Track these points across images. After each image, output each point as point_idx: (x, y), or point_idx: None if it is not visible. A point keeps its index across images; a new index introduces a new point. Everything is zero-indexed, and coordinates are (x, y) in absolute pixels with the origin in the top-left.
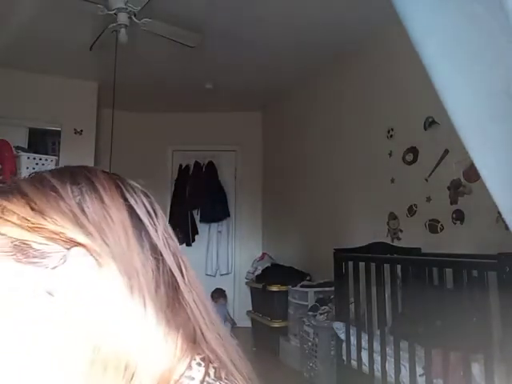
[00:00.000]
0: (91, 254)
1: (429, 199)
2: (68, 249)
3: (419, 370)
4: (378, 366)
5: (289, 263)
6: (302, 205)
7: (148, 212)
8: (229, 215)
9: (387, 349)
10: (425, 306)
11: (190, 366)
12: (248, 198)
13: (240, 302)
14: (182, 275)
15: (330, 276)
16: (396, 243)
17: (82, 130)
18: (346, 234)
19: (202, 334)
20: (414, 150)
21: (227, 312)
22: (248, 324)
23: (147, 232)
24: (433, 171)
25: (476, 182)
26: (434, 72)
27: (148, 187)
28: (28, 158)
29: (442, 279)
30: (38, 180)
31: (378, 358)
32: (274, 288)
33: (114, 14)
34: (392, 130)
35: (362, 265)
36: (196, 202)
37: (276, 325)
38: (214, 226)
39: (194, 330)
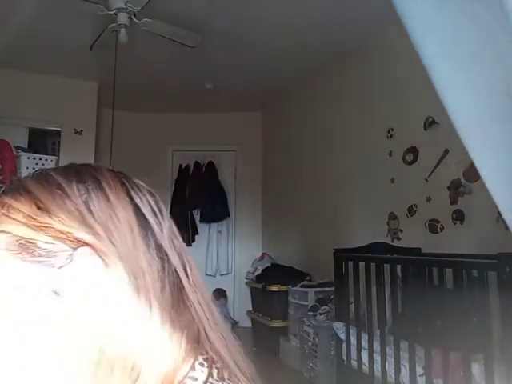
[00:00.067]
0: (98, 254)
1: (429, 199)
2: (74, 248)
3: (419, 370)
4: (377, 366)
5: (289, 263)
6: (301, 205)
7: (153, 211)
8: (229, 215)
9: (387, 349)
10: (425, 306)
11: (193, 367)
12: (248, 198)
13: (240, 301)
14: (187, 275)
15: (330, 276)
16: (396, 243)
17: (82, 130)
18: (346, 234)
19: (206, 334)
20: (413, 150)
21: (227, 312)
22: (248, 324)
23: (153, 231)
24: (433, 171)
25: (476, 182)
26: (433, 72)
27: (149, 187)
28: (28, 158)
29: (442, 279)
30: (44, 178)
31: (377, 358)
32: (274, 288)
33: (114, 14)
34: (392, 129)
35: (362, 265)
36: (196, 201)
37: (276, 325)
38: (214, 226)
39: (198, 331)
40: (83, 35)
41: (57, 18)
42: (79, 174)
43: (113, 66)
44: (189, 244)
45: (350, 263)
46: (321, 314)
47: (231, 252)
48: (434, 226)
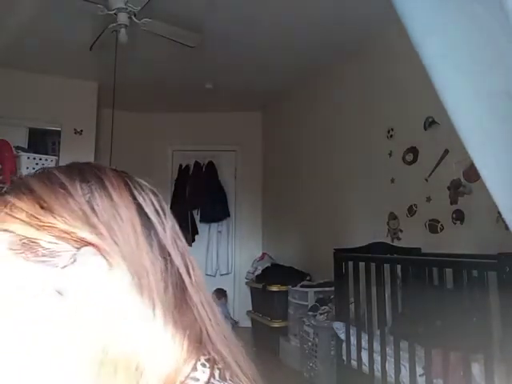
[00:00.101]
0: (101, 254)
1: (429, 199)
2: (78, 248)
3: (419, 370)
4: (378, 366)
5: (289, 263)
6: (301, 205)
7: (156, 210)
8: (229, 215)
9: (387, 349)
10: (425, 306)
11: (195, 367)
12: (248, 198)
13: (240, 301)
14: (190, 276)
15: (330, 276)
16: (396, 243)
17: (82, 130)
18: (346, 234)
19: (208, 335)
20: (413, 150)
21: (227, 312)
22: (248, 324)
23: (156, 231)
24: (433, 171)
25: (476, 182)
26: (433, 72)
27: (152, 186)
28: (28, 158)
29: (442, 279)
30: (47, 177)
31: (378, 357)
32: (274, 288)
33: (114, 14)
34: (392, 129)
35: (362, 265)
36: (196, 201)
37: (276, 325)
38: (214, 225)
39: (200, 331)
40: (83, 35)
41: (57, 18)
42: (82, 173)
43: (113, 66)
44: (189, 244)
45: (350, 263)
46: (321, 313)
47: (231, 252)
48: (434, 226)
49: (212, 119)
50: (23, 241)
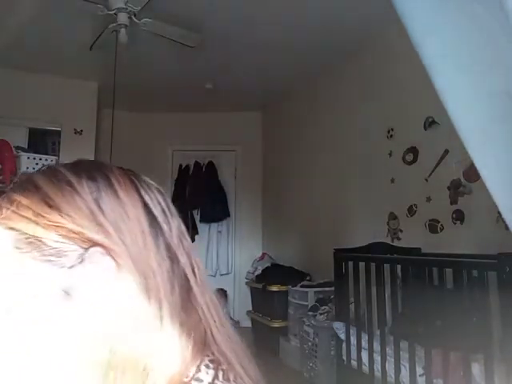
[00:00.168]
0: (109, 254)
1: (429, 199)
2: (86, 248)
3: (419, 370)
4: (378, 366)
5: (289, 263)
6: (302, 205)
7: (163, 210)
8: (229, 215)
9: (387, 349)
10: (425, 306)
11: (199, 369)
12: (248, 198)
13: (240, 301)
14: (195, 276)
15: (330, 276)
16: (396, 243)
17: (82, 130)
18: (346, 234)
19: (213, 336)
20: (413, 150)
21: (228, 312)
22: (248, 324)
23: (162, 231)
24: (433, 171)
25: (476, 182)
26: (434, 72)
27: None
28: (28, 158)
29: (442, 279)
30: (53, 174)
31: (378, 357)
32: (274, 288)
33: (114, 14)
34: (392, 129)
35: (362, 265)
36: (196, 201)
37: (276, 325)
38: (214, 225)
39: (205, 332)
40: (83, 35)
41: (57, 18)
42: (89, 171)
43: (113, 66)
44: None
45: (350, 263)
46: (321, 313)
47: (231, 252)
48: (434, 226)
49: (212, 119)
50: (29, 239)
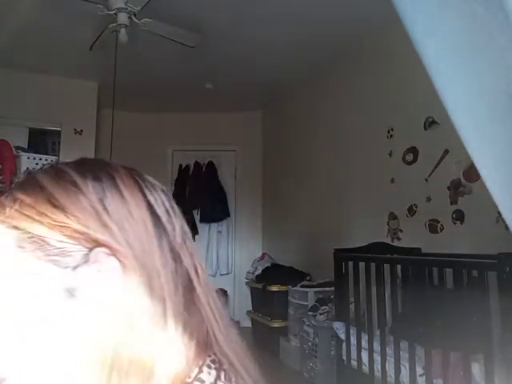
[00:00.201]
0: (114, 255)
1: (429, 199)
2: (90, 248)
3: (419, 370)
4: (378, 366)
5: (289, 263)
6: (302, 205)
7: (167, 210)
8: (229, 215)
9: (387, 349)
10: (425, 306)
11: (201, 369)
12: (248, 198)
13: (240, 301)
14: (198, 277)
15: (330, 276)
16: (396, 243)
17: (81, 130)
18: (346, 234)
19: (215, 336)
20: (413, 150)
21: (228, 312)
22: (248, 324)
23: (166, 231)
24: (433, 171)
25: (476, 182)
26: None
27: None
28: (28, 157)
29: (442, 279)
30: (57, 173)
31: (378, 357)
32: (274, 288)
33: (114, 14)
34: (392, 129)
35: (362, 265)
36: (196, 201)
37: (276, 325)
38: (214, 225)
39: (207, 332)
40: (83, 35)
41: (57, 18)
42: (94, 170)
43: (113, 66)
44: None
45: (350, 263)
46: (321, 313)
47: (231, 252)
48: (434, 226)
49: (212, 119)
50: (33, 239)
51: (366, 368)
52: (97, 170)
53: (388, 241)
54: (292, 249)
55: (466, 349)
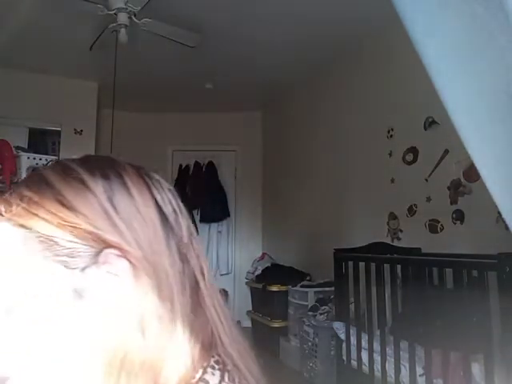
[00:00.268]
0: (124, 256)
1: (429, 199)
2: (100, 249)
3: (419, 370)
4: (378, 366)
5: (289, 263)
6: (302, 205)
7: (174, 210)
8: (229, 215)
9: (387, 349)
10: (425, 306)
11: (205, 370)
12: (248, 198)
13: (240, 301)
14: (204, 278)
15: (330, 276)
16: (396, 243)
17: (81, 130)
18: (346, 234)
19: (220, 338)
20: (413, 150)
21: None
22: (248, 324)
23: (173, 231)
24: (433, 171)
25: (476, 182)
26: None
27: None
28: (28, 157)
29: (442, 279)
30: (64, 170)
31: (378, 357)
32: (274, 288)
33: (114, 14)
34: (392, 129)
35: (362, 265)
36: (196, 201)
37: (276, 325)
38: (214, 226)
39: (212, 333)
40: (83, 35)
41: (57, 18)
42: (102, 168)
43: (113, 66)
44: None
45: (350, 263)
46: (321, 313)
47: (231, 252)
48: (434, 226)
49: (212, 119)
50: (41, 238)
51: (365, 368)
52: (105, 167)
53: (388, 241)
54: (292, 249)
55: (466, 349)
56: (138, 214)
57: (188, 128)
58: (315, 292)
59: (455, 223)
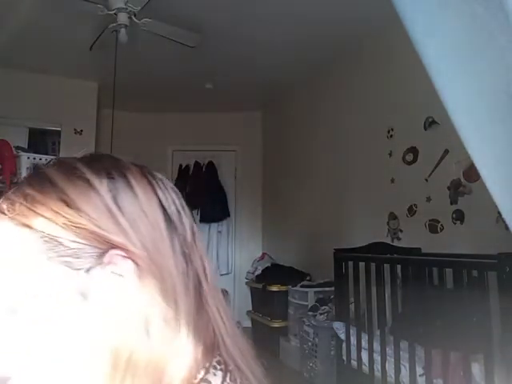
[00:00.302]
0: (129, 257)
1: (429, 199)
2: (105, 250)
3: (419, 370)
4: (378, 366)
5: (289, 263)
6: (301, 205)
7: (177, 210)
8: (229, 215)
9: (387, 349)
10: (425, 306)
11: (208, 370)
12: (248, 198)
13: (240, 301)
14: (206, 278)
15: (330, 276)
16: (396, 243)
17: (81, 130)
18: (346, 234)
19: (222, 338)
20: (413, 150)
21: None
22: (248, 324)
23: (177, 231)
24: (433, 171)
25: (476, 182)
26: (434, 72)
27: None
28: (28, 157)
29: (442, 279)
30: (69, 170)
31: (377, 357)
32: (274, 288)
33: (114, 14)
34: (392, 129)
35: (362, 265)
36: (196, 201)
37: (276, 325)
38: (214, 225)
39: (214, 334)
40: (83, 35)
41: (57, 18)
42: (105, 167)
43: (113, 66)
44: None
45: (350, 263)
46: (321, 313)
47: (231, 252)
48: (434, 226)
49: (212, 119)
50: (45, 239)
51: (365, 368)
52: (108, 166)
53: (388, 241)
54: (292, 249)
55: (466, 349)
56: (143, 214)
57: (188, 128)
58: (315, 292)
59: (455, 223)
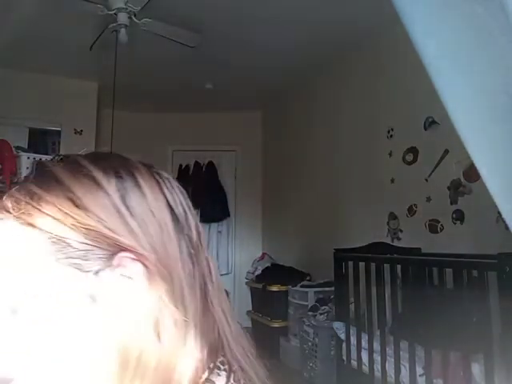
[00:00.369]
0: (138, 259)
1: (429, 199)
2: (114, 252)
3: (419, 370)
4: (378, 366)
5: (289, 263)
6: (302, 204)
7: (184, 210)
8: (229, 215)
9: (387, 349)
10: (425, 306)
11: (212, 371)
12: (248, 198)
13: (240, 301)
14: (211, 279)
15: (330, 276)
16: (396, 243)
17: (81, 130)
18: (346, 233)
19: (226, 338)
20: (413, 150)
21: None
22: (248, 324)
23: (183, 232)
24: (433, 171)
25: (476, 182)
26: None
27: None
28: (28, 158)
29: (442, 279)
30: (76, 168)
31: (377, 357)
32: (274, 288)
33: (114, 14)
34: (392, 129)
35: (362, 265)
36: (196, 202)
37: (276, 325)
38: (214, 225)
39: (219, 335)
40: (83, 35)
41: (57, 18)
42: (114, 167)
43: (113, 66)
44: None
45: (350, 263)
46: (321, 313)
47: (231, 252)
48: (434, 226)
49: (212, 119)
50: (53, 239)
51: (365, 368)
52: (116, 165)
53: (388, 241)
54: (292, 249)
55: (466, 349)
56: (151, 214)
57: (188, 128)
58: (315, 292)
59: (455, 223)
